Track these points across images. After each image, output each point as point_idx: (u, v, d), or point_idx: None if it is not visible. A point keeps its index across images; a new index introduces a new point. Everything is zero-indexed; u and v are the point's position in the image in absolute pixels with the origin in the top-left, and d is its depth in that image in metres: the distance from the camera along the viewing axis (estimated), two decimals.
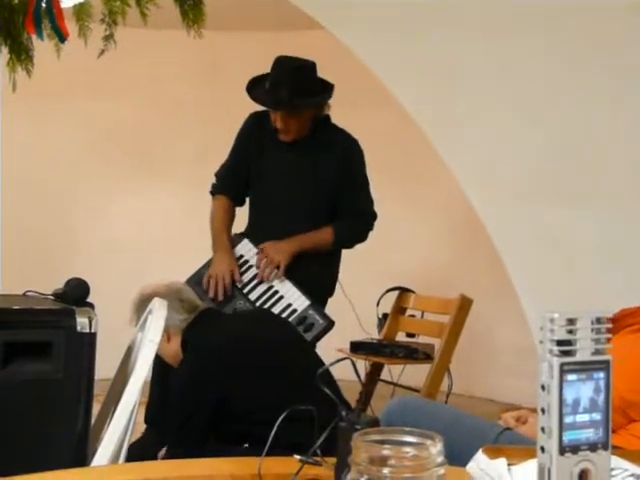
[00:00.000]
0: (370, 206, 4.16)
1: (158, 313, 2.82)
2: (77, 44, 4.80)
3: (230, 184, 4.21)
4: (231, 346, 3.14)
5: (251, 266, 4.04)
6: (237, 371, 3.05)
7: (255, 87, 4.03)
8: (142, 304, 3.32)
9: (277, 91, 3.92)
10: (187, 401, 3.08)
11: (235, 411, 3.00)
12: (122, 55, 4.97)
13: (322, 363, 3.32)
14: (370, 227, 4.19)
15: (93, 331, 2.77)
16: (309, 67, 4.01)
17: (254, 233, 4.13)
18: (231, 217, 4.21)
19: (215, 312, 3.51)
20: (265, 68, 4.08)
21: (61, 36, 4.69)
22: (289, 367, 3.07)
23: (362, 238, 4.19)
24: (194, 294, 3.43)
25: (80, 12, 4.93)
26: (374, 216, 4.17)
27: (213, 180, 4.27)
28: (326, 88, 4.03)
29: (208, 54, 7.10)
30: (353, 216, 4.10)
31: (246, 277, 4.02)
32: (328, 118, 4.13)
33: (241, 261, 4.06)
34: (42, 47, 4.94)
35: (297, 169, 4.06)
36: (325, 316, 3.86)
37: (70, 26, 4.77)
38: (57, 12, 4.63)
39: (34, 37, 4.82)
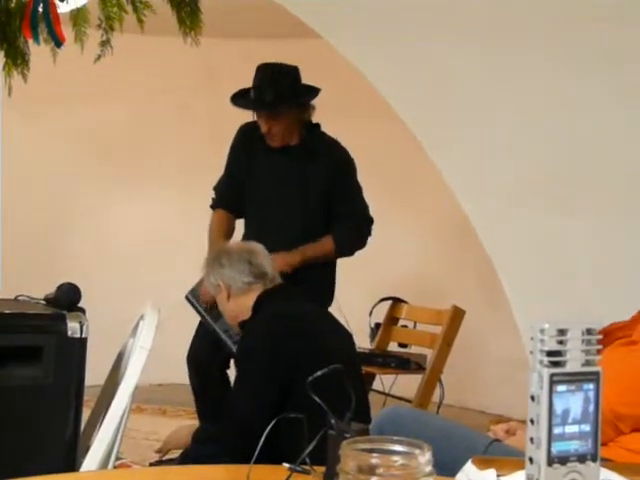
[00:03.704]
0: (365, 210, 4.17)
1: (150, 318, 2.81)
2: (73, 49, 4.80)
3: (227, 198, 4.22)
4: (303, 325, 3.06)
5: None
6: (303, 351, 2.93)
7: (240, 96, 4.07)
8: (214, 258, 3.28)
9: (258, 95, 3.96)
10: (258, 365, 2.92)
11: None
12: (118, 61, 4.97)
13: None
14: (368, 232, 4.19)
15: (84, 336, 2.77)
16: (291, 71, 4.06)
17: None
18: (227, 229, 4.21)
19: (293, 290, 3.42)
20: None
21: (57, 41, 4.69)
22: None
23: (361, 244, 4.19)
24: (269, 260, 3.28)
25: (77, 17, 4.92)
26: (370, 220, 4.18)
27: (212, 193, 4.27)
28: (309, 91, 4.06)
29: (205, 61, 7.10)
30: (349, 221, 4.10)
31: None
32: (318, 126, 4.15)
33: None
34: (38, 52, 4.93)
35: (287, 177, 4.08)
36: None
37: (67, 31, 4.77)
38: (54, 17, 4.63)
39: (30, 42, 4.82)
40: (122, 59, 5.16)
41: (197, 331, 4.11)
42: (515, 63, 4.08)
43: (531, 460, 1.22)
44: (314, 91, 4.06)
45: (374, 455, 1.26)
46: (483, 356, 6.61)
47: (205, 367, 4.02)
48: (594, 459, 1.24)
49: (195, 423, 3.76)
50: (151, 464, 3.54)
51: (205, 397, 4.07)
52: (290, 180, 4.07)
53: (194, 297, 3.96)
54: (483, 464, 1.63)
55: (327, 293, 4.19)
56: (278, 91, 3.94)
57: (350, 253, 4.22)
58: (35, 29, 4.64)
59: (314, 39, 4.94)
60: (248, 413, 2.81)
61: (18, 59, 4.95)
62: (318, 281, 4.08)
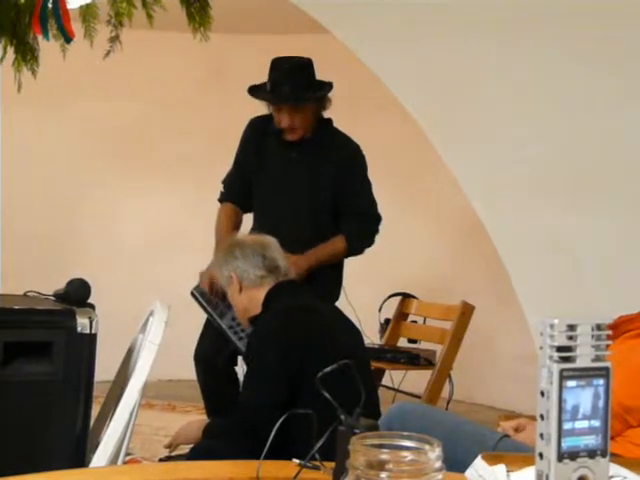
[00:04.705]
0: (373, 208, 4.15)
1: (159, 314, 2.82)
2: (83, 45, 4.80)
3: (235, 192, 4.22)
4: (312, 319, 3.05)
5: None
6: (314, 341, 2.93)
7: (256, 90, 4.07)
8: (227, 249, 3.27)
9: (280, 89, 3.96)
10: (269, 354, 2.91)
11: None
12: (127, 57, 4.96)
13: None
14: (376, 230, 4.16)
15: (93, 332, 2.78)
16: (307, 64, 4.07)
17: None
18: (235, 223, 4.20)
19: (301, 285, 3.42)
20: None
21: (67, 37, 4.68)
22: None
23: (371, 242, 4.18)
24: (281, 254, 3.26)
25: (86, 13, 4.91)
26: (378, 218, 4.16)
27: (220, 187, 4.27)
28: (325, 84, 4.07)
29: (214, 57, 7.10)
30: (358, 219, 4.09)
31: None
32: (330, 122, 4.15)
33: None
34: (48, 48, 4.94)
35: (298, 172, 4.07)
36: None
37: (76, 27, 4.77)
38: (63, 13, 4.63)
39: (40, 37, 4.82)
40: (131, 55, 5.16)
41: (203, 329, 4.10)
42: (524, 61, 4.07)
43: (541, 456, 1.22)
44: (328, 84, 4.08)
45: (384, 451, 1.26)
46: (492, 352, 6.60)
47: (212, 365, 4.02)
48: (604, 454, 1.24)
49: (204, 418, 3.76)
50: (161, 459, 3.55)
51: (213, 395, 4.07)
52: (300, 174, 4.06)
53: (199, 293, 3.96)
54: (493, 460, 1.63)
55: (334, 290, 4.18)
56: (299, 83, 3.96)
57: (360, 252, 4.21)
58: (45, 25, 4.64)
59: (322, 34, 4.93)
60: (258, 409, 2.80)
61: (28, 55, 4.95)
62: (325, 278, 4.07)
